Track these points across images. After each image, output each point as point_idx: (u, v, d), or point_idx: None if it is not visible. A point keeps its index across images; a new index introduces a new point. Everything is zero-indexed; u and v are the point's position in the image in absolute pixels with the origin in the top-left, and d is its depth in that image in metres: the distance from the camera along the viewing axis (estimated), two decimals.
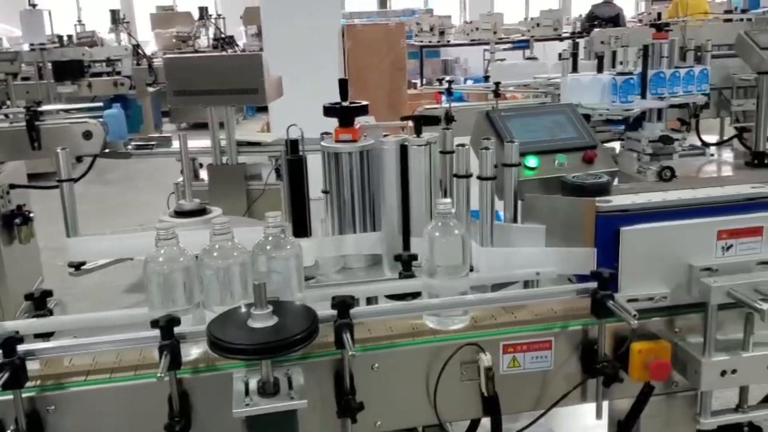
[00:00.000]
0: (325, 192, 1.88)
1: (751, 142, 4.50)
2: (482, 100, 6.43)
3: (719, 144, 4.71)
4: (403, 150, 1.77)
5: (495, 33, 11.39)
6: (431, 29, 11.43)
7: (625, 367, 1.55)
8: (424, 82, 11.84)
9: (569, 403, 1.59)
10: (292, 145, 1.77)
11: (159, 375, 1.26)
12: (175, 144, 4.51)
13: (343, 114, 1.82)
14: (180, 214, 1.97)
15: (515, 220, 1.82)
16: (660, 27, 4.10)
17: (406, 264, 1.64)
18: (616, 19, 11.34)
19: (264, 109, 8.73)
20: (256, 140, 4.51)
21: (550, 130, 2.01)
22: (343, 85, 1.87)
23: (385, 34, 6.48)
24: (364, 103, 1.85)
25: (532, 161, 1.91)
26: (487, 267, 1.70)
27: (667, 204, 1.69)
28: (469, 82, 11.59)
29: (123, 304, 3.42)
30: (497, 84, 4.46)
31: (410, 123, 1.99)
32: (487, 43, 12.03)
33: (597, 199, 1.67)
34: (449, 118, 4.41)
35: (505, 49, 12.29)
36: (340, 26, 6.67)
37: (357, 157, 1.82)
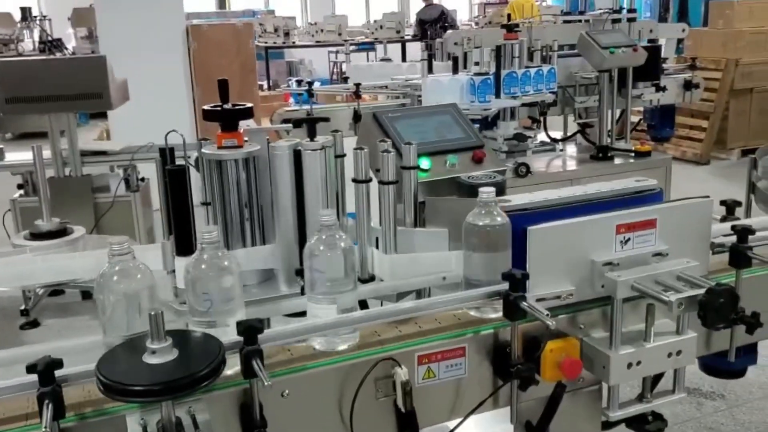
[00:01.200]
0: (205, 204, 1.72)
1: (593, 137, 4.78)
2: (331, 102, 6.39)
3: (565, 139, 4.96)
4: (297, 155, 1.65)
5: (340, 35, 11.40)
6: (276, 30, 11.24)
7: (537, 367, 1.53)
8: (270, 84, 11.64)
9: (484, 410, 1.55)
10: (169, 155, 1.59)
11: (44, 429, 1.06)
12: (9, 156, 4.08)
13: (227, 117, 1.66)
14: (37, 236, 1.72)
15: (416, 225, 1.76)
16: (510, 28, 4.23)
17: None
18: (441, 19, 11.75)
19: (99, 116, 8.17)
20: (101, 149, 4.17)
21: (437, 130, 1.97)
22: (223, 86, 1.72)
23: (233, 34, 6.24)
24: (248, 105, 1.71)
25: (424, 163, 1.86)
26: (392, 275, 1.62)
27: (563, 201, 1.70)
28: (317, 84, 11.55)
29: None
30: (358, 85, 4.41)
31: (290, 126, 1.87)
32: (332, 45, 12.05)
33: (498, 199, 1.64)
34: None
35: (350, 51, 12.36)
36: (183, 27, 6.35)
37: (243, 165, 1.67)
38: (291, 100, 8.72)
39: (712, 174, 7.75)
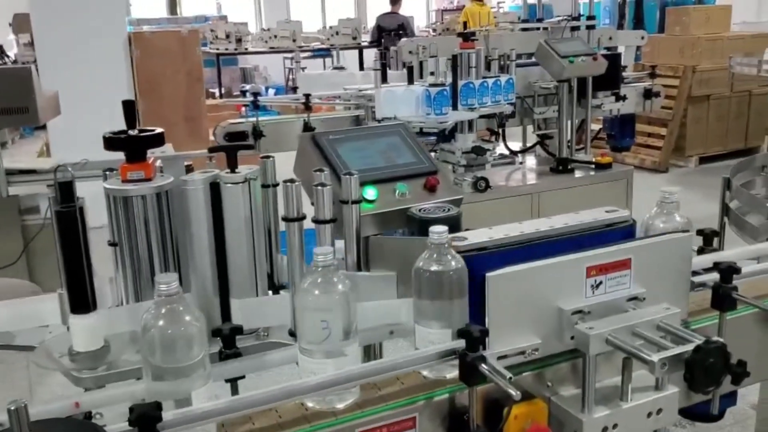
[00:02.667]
0: (112, 244, 1.46)
1: (553, 148, 4.62)
2: (287, 111, 6.13)
3: (524, 151, 4.79)
4: (215, 189, 1.40)
5: (294, 41, 11.14)
6: (227, 36, 10.92)
7: None
8: (222, 91, 11.32)
9: None
10: (65, 190, 1.33)
11: None
12: None
13: (132, 146, 1.41)
14: None
15: (360, 267, 1.52)
16: (467, 36, 4.04)
17: (228, 340, 1.27)
18: (401, 29, 11.56)
19: (42, 127, 7.78)
20: (29, 167, 3.85)
21: (385, 154, 1.74)
22: (129, 108, 1.46)
23: (178, 41, 5.93)
24: (159, 130, 1.45)
25: (370, 193, 1.62)
26: None
27: (526, 238, 1.49)
28: (271, 92, 11.26)
29: None
30: (307, 96, 4.16)
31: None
32: (286, 51, 11.77)
33: (452, 237, 1.42)
34: (258, 134, 4.05)
35: (305, 58, 12.09)
36: (126, 34, 6.02)
37: (153, 201, 1.42)
38: (243, 109, 8.44)
39: (671, 182, 7.69)
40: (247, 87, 9.49)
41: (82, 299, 1.30)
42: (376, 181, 1.66)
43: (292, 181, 1.36)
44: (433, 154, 4.20)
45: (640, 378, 1.42)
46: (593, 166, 4.46)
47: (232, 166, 1.41)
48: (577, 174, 4.45)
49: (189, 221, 1.40)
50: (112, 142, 1.41)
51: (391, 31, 11.21)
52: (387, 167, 1.72)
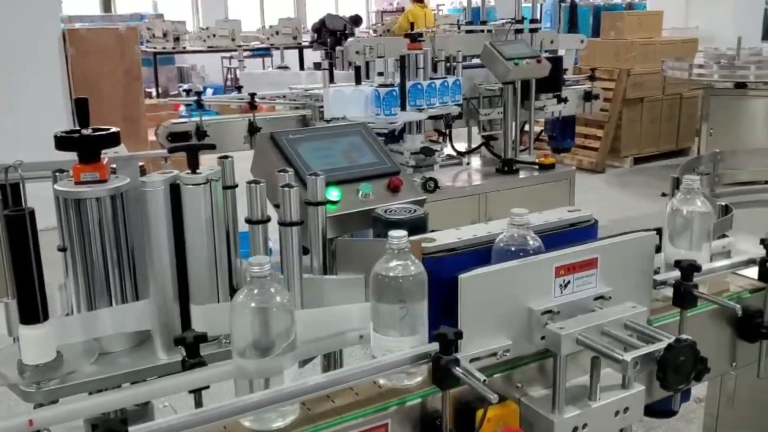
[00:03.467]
0: (62, 250, 1.38)
1: (497, 149, 4.67)
2: (227, 111, 6.01)
3: (470, 152, 4.83)
4: (175, 191, 1.34)
5: (233, 40, 10.96)
6: (165, 35, 10.66)
7: None
8: (159, 91, 11.05)
9: None
10: (14, 193, 1.25)
11: None
12: None
13: (85, 146, 1.33)
14: None
15: (326, 271, 1.48)
16: (414, 37, 4.04)
17: (191, 349, 1.21)
18: (343, 30, 11.53)
19: None
20: None
21: (347, 154, 1.71)
22: (82, 106, 1.38)
23: (116, 39, 5.75)
24: (113, 129, 1.38)
25: (334, 194, 1.59)
26: (300, 335, 1.33)
27: (495, 238, 1.48)
28: (210, 91, 11.04)
29: None
30: (252, 95, 4.08)
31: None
32: (225, 51, 11.57)
33: (419, 237, 1.40)
34: (201, 134, 3.95)
35: (245, 57, 11.91)
36: (60, 31, 5.80)
37: (108, 203, 1.35)
38: (182, 108, 8.23)
39: (608, 182, 7.89)
40: (186, 86, 9.28)
41: (32, 309, 1.22)
42: (339, 181, 1.62)
43: (256, 182, 1.31)
44: None
45: (606, 377, 1.42)
46: (537, 166, 4.54)
47: (193, 166, 1.35)
48: (522, 174, 4.52)
49: (148, 224, 1.33)
50: (64, 142, 1.33)
51: (332, 32, 11.15)
52: (350, 168, 1.68)
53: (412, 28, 4.36)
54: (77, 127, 1.35)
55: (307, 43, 11.71)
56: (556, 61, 4.66)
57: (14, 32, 5.40)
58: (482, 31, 4.77)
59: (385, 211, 1.53)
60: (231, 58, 12.06)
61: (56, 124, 5.63)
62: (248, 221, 1.32)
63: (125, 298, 1.39)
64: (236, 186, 1.52)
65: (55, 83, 5.52)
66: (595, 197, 7.14)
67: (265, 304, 1.08)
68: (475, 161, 4.89)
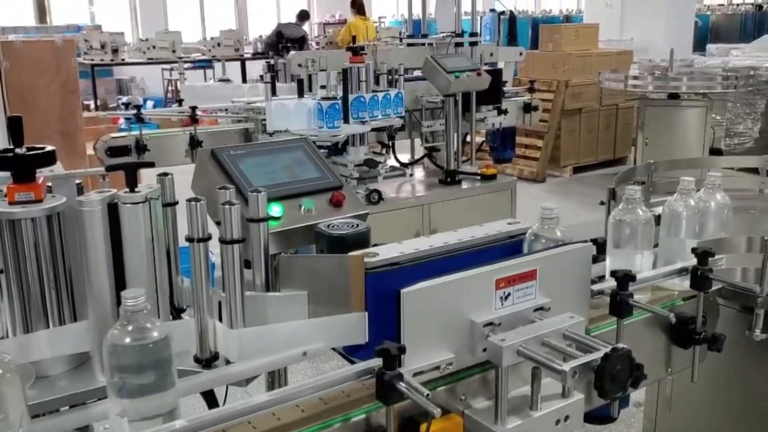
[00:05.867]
0: None
1: (440, 161, 4.73)
2: (168, 125, 5.91)
3: (413, 164, 4.88)
4: (113, 210, 1.32)
5: (174, 51, 10.81)
6: (102, 46, 10.45)
7: None
8: (98, 104, 10.81)
9: None
10: None
11: None
12: None
13: (19, 165, 1.30)
14: None
15: (269, 288, 1.48)
16: (356, 50, 4.06)
17: None
18: (302, 41, 11.53)
19: None
20: None
21: (289, 170, 1.71)
22: (15, 124, 1.35)
23: (51, 51, 5.59)
24: (49, 148, 1.35)
25: (276, 210, 1.58)
26: (240, 353, 1.33)
27: (437, 252, 1.50)
28: (150, 104, 10.85)
29: None
30: (194, 108, 4.04)
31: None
32: (165, 62, 11.40)
33: (363, 252, 1.41)
34: (141, 148, 3.89)
35: (186, 69, 11.74)
36: None
37: (44, 223, 1.32)
38: (121, 121, 8.06)
39: (548, 191, 8.06)
40: (125, 99, 9.11)
41: None
42: (281, 197, 1.62)
43: (196, 199, 1.30)
44: None
45: (547, 386, 1.45)
46: (479, 177, 4.61)
47: (132, 185, 1.33)
48: (464, 185, 4.58)
49: (85, 245, 1.31)
50: None
51: (293, 40, 11.12)
52: (291, 183, 1.68)
53: (354, 41, 4.37)
54: (10, 146, 1.32)
55: (249, 55, 11.63)
56: (496, 74, 4.76)
57: None
58: (423, 44, 4.83)
59: (328, 227, 1.54)
60: (171, 69, 11.89)
61: None
62: (189, 239, 1.31)
63: (63, 319, 1.36)
64: (176, 203, 1.51)
65: None
66: (537, 206, 7.28)
67: (142, 340, 1.05)
68: (419, 172, 4.94)
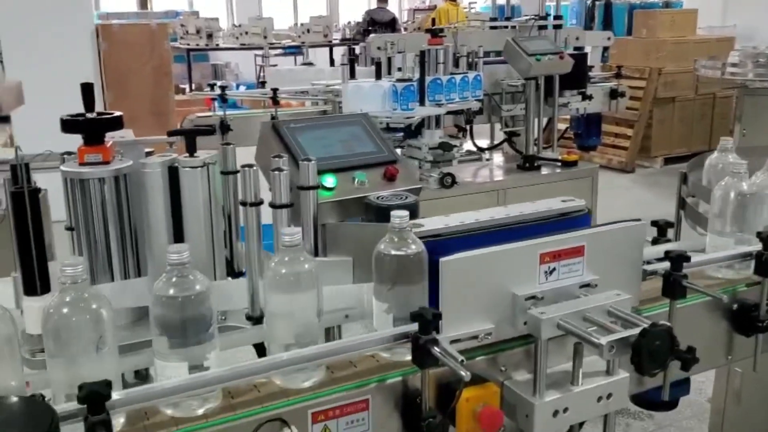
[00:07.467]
0: (69, 229, 1.45)
1: (519, 146, 4.67)
2: (257, 107, 6.10)
3: (491, 148, 4.83)
4: (173, 173, 1.40)
5: (265, 38, 11.08)
6: (198, 32, 10.83)
7: (452, 419, 1.33)
8: (193, 87, 11.22)
9: None
10: (18, 172, 1.32)
11: None
12: None
13: (89, 128, 1.40)
14: None
15: (317, 252, 1.53)
16: (435, 32, 4.06)
17: None
18: (392, 23, 11.61)
19: (3, 120, 7.66)
20: None
21: (345, 143, 1.75)
22: (87, 90, 1.45)
23: (146, 35, 5.88)
24: (117, 113, 1.45)
25: (329, 180, 1.64)
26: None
27: (482, 226, 1.51)
28: (242, 88, 11.19)
29: None
30: (275, 90, 4.15)
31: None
32: (258, 48, 11.71)
33: (408, 223, 1.44)
34: (225, 128, 4.03)
35: (276, 55, 12.04)
36: (93, 26, 5.95)
37: (111, 184, 1.42)
38: (214, 104, 8.35)
39: (637, 182, 7.82)
40: (218, 83, 9.43)
41: (34, 281, 1.29)
42: (335, 169, 1.67)
43: (249, 166, 1.37)
44: (400, 150, 4.23)
45: (592, 363, 1.44)
46: (559, 163, 4.51)
47: (191, 150, 1.41)
48: (544, 171, 4.50)
49: (146, 205, 1.40)
50: (69, 125, 1.40)
51: (383, 24, 11.24)
52: (347, 156, 1.73)
53: (433, 24, 4.38)
54: (80, 113, 1.42)
55: (337, 41, 11.78)
56: (580, 58, 4.64)
57: (48, 27, 5.56)
58: (506, 27, 4.77)
59: (377, 198, 1.57)
60: (264, 56, 12.21)
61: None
62: (242, 203, 1.38)
63: (127, 275, 1.46)
64: (237, 172, 1.58)
65: (87, 76, 5.64)
66: (622, 196, 7.09)
67: (183, 292, 1.12)
68: (498, 158, 4.88)
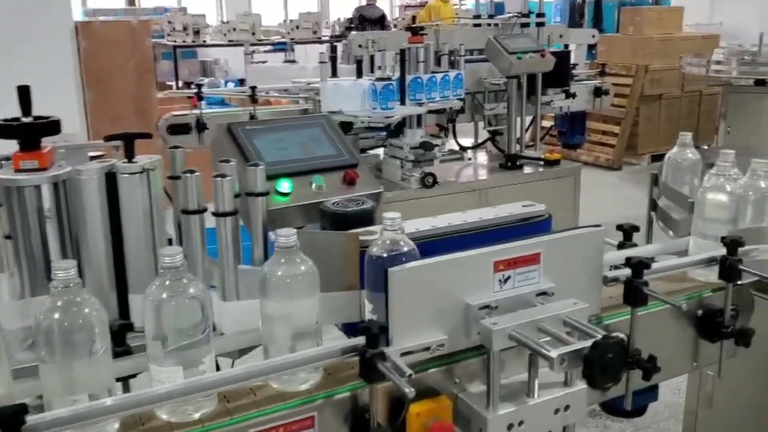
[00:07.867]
0: (7, 237, 1.40)
1: (503, 145, 4.63)
2: (246, 105, 6.03)
3: (474, 147, 4.79)
4: (111, 179, 1.35)
5: (253, 34, 11.01)
6: (185, 28, 10.74)
7: None
8: (180, 84, 11.14)
9: None
10: None
11: None
12: None
13: (25, 133, 1.35)
14: None
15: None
16: (415, 30, 4.02)
17: (117, 337, 1.22)
18: (381, 20, 11.54)
19: None
20: None
21: (304, 146, 1.70)
22: (24, 93, 1.40)
23: (128, 32, 5.80)
24: (54, 117, 1.39)
25: (285, 185, 1.58)
26: (233, 326, 1.34)
27: (437, 233, 1.47)
28: (231, 85, 11.09)
29: None
30: (253, 88, 4.10)
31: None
32: (244, 44, 11.62)
33: (360, 231, 1.40)
34: (201, 127, 3.98)
35: (266, 51, 11.95)
36: (72, 24, 5.87)
37: (50, 191, 1.36)
38: (202, 102, 8.27)
39: (623, 179, 7.80)
40: (206, 80, 9.36)
41: None
42: (291, 173, 1.62)
43: (191, 171, 1.32)
44: (382, 149, 4.18)
45: (550, 374, 1.40)
46: (542, 162, 4.48)
47: (129, 155, 1.36)
48: (526, 170, 4.46)
49: (83, 212, 1.34)
50: (3, 130, 1.35)
51: (373, 21, 11.17)
52: (304, 159, 1.68)
53: (413, 21, 4.33)
54: (15, 117, 1.37)
55: (327, 38, 11.70)
56: (563, 56, 4.60)
57: (26, 24, 5.47)
58: (488, 24, 4.72)
59: (333, 204, 1.53)
60: (253, 52, 12.11)
61: (68, 116, 5.72)
62: (183, 211, 1.33)
63: None
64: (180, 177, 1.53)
65: (66, 75, 5.59)
66: (608, 194, 7.06)
67: (178, 296, 1.08)
68: (481, 157, 4.84)
